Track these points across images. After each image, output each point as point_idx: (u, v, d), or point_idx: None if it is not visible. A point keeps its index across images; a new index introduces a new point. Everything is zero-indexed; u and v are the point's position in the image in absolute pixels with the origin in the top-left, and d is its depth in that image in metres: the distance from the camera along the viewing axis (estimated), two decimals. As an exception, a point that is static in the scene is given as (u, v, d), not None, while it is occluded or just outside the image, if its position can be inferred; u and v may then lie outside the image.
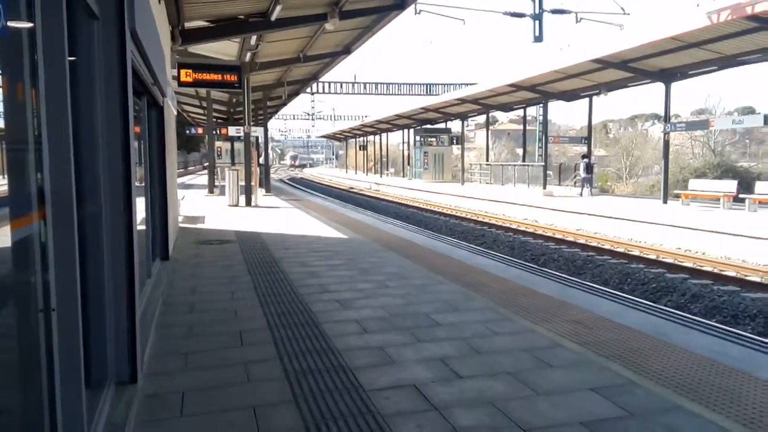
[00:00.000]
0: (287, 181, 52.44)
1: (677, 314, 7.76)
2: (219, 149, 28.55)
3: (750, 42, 15.87)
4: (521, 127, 35.19)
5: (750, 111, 49.55)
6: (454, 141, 41.99)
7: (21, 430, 2.21)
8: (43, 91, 2.32)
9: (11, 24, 2.06)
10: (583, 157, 25.55)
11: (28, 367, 2.24)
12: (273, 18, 12.63)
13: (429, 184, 37.20)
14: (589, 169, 24.42)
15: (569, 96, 25.73)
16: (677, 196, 20.82)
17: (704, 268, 11.30)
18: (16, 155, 2.17)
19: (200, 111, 33.57)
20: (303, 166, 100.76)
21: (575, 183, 26.47)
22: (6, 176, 2.06)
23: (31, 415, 2.23)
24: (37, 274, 2.27)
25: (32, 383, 2.23)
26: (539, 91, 25.57)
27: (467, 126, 43.91)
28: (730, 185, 18.85)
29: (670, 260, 12.19)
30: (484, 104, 31.11)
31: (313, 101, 78.02)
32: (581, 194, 24.19)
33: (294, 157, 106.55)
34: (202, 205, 18.89)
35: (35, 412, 2.23)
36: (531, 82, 24.27)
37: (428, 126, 42.77)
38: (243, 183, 18.86)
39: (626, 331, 5.06)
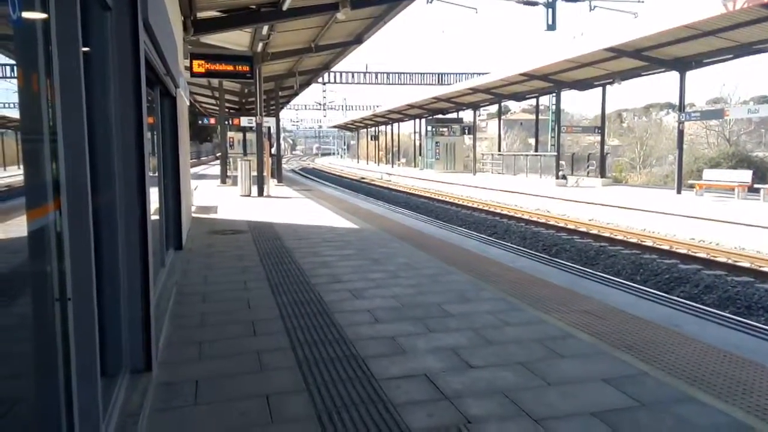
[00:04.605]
0: (299, 171, 52.52)
1: (690, 305, 7.73)
2: (231, 139, 28.62)
3: (766, 30, 15.63)
4: (534, 116, 34.86)
5: (766, 100, 48.84)
6: (466, 131, 41.74)
7: (37, 418, 2.25)
8: (57, 82, 2.33)
9: (26, 15, 2.07)
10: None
11: (44, 356, 2.27)
12: (284, 8, 12.63)
13: (440, 174, 37.11)
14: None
15: (582, 85, 25.51)
16: (691, 187, 20.61)
17: (718, 259, 11.21)
18: (32, 146, 2.19)
19: (212, 101, 33.68)
20: (316, 155, 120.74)
21: (588, 173, 26.54)
22: (22, 167, 2.08)
23: (48, 403, 2.26)
24: (53, 264, 2.29)
25: (48, 372, 2.26)
26: (552, 81, 25.36)
27: (479, 116, 43.67)
28: (745, 175, 18.66)
29: (683, 251, 12.10)
30: (496, 94, 30.91)
31: (324, 91, 77.82)
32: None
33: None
34: (215, 195, 18.99)
35: (51, 400, 2.26)
36: (544, 71, 24.07)
37: (440, 116, 42.56)
38: (255, 173, 18.93)
39: (638, 321, 5.04)
